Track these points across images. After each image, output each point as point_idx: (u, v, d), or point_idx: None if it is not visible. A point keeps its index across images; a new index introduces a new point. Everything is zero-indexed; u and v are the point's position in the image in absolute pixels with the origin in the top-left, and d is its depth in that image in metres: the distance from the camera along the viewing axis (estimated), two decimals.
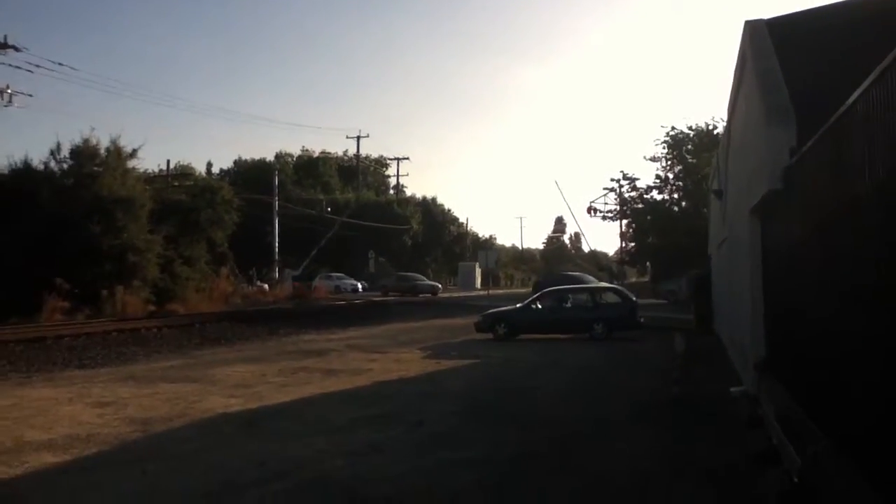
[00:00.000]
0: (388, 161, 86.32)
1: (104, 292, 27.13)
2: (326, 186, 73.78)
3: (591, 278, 41.08)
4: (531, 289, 48.25)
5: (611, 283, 37.68)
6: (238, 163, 74.25)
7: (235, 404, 10.51)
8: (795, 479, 5.33)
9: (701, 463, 7.13)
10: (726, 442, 7.92)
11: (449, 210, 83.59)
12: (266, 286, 46.10)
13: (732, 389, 10.08)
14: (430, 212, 78.11)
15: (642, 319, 21.26)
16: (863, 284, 4.16)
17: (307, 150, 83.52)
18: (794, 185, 6.76)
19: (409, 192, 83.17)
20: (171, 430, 8.87)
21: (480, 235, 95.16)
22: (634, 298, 21.97)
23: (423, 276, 60.28)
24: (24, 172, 28.91)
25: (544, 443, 8.12)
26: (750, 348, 9.63)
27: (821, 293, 5.43)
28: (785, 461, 6.02)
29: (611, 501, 6.17)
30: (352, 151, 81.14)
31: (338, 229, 59.35)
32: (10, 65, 35.32)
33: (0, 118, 34.02)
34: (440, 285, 59.14)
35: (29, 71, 35.61)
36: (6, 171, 29.13)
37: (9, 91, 35.45)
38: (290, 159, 79.77)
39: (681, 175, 46.41)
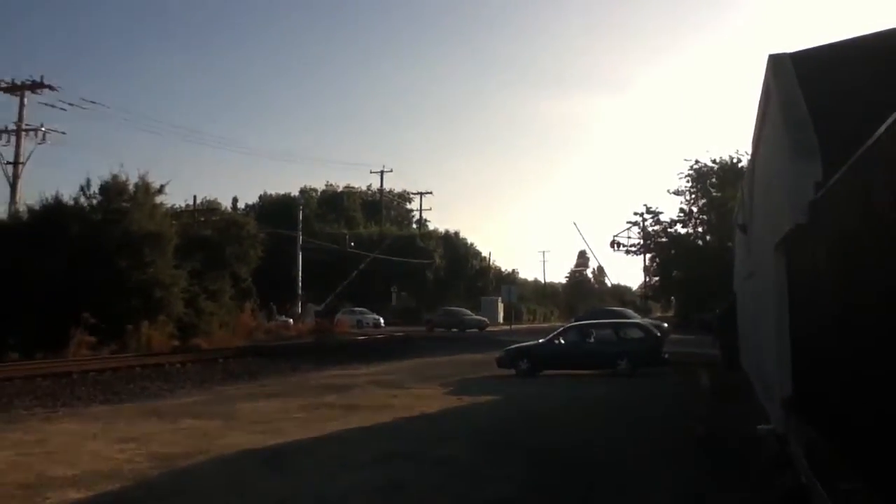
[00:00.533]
0: (412, 195, 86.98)
1: (129, 327, 27.40)
2: (350, 221, 74.36)
3: (633, 313, 40.67)
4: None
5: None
6: (263, 198, 75.11)
7: (258, 440, 10.49)
8: None
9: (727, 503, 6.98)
10: (753, 482, 7.75)
11: (472, 244, 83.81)
12: (290, 321, 46.30)
13: (759, 427, 9.88)
14: (453, 246, 78.28)
15: (667, 355, 21.01)
16: (894, 320, 4.08)
17: (331, 185, 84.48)
18: (819, 219, 6.69)
19: (431, 227, 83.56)
20: (192, 466, 8.87)
21: (503, 269, 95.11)
22: (659, 334, 21.71)
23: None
24: (54, 208, 29.41)
25: (566, 484, 8.01)
26: (776, 385, 9.46)
27: (849, 330, 5.33)
28: (815, 501, 5.87)
29: None
30: (375, 186, 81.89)
31: (360, 263, 59.49)
32: (45, 104, 36.47)
33: (34, 155, 34.86)
34: (487, 320, 56.28)
35: (63, 109, 36.74)
36: (38, 207, 29.71)
37: (43, 129, 36.51)
38: (314, 194, 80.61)
39: (705, 208, 46.16)
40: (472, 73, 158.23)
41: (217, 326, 33.67)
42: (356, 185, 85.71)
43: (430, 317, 54.91)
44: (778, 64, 10.11)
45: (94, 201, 30.25)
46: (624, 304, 63.25)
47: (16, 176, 35.70)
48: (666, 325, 22.21)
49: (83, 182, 30.25)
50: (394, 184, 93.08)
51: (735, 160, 44.22)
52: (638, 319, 29.40)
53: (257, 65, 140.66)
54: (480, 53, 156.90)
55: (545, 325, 65.37)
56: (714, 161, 45.84)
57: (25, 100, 36.13)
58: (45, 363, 21.14)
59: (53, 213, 29.00)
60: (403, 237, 72.72)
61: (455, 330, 49.23)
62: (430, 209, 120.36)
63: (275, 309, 48.02)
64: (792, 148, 7.97)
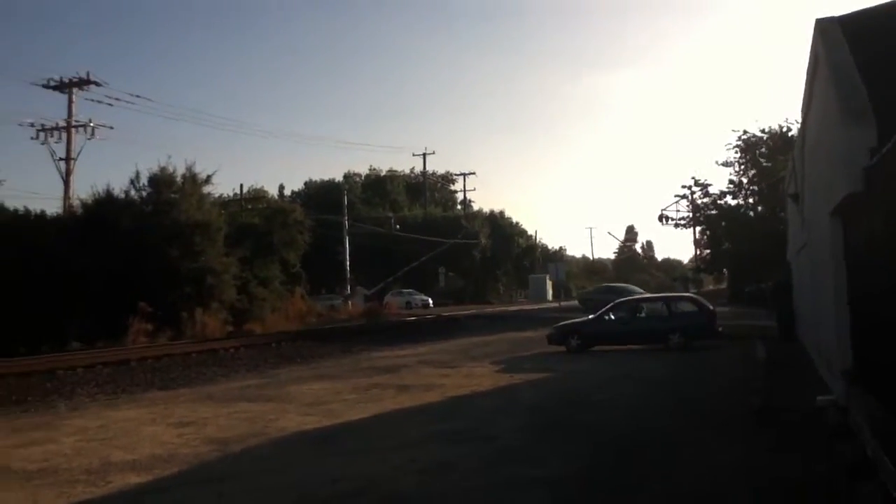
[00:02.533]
0: (455, 177, 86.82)
1: (184, 314, 28.01)
2: (394, 204, 74.56)
3: (636, 289, 39.28)
4: (578, 302, 46.59)
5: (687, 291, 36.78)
6: (308, 184, 75.73)
7: (311, 422, 10.63)
8: (893, 494, 5.03)
9: (787, 477, 6.81)
10: (813, 454, 7.54)
11: (517, 223, 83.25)
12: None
13: (819, 398, 9.64)
14: (499, 225, 77.93)
15: (721, 328, 20.64)
16: None
17: (375, 169, 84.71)
18: (875, 185, 6.45)
19: (476, 207, 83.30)
20: (247, 449, 9.02)
21: (550, 247, 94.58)
22: (711, 307, 21.33)
23: (495, 289, 58.81)
24: (106, 201, 30.16)
25: (618, 459, 7.92)
26: (836, 356, 9.21)
27: None
28: (881, 474, 5.69)
29: None
30: (418, 169, 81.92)
31: (406, 245, 59.59)
32: (92, 99, 37.30)
33: (84, 150, 35.80)
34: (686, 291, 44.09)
35: (109, 104, 37.56)
36: (90, 201, 30.49)
37: (91, 125, 37.38)
38: (358, 179, 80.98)
39: (755, 179, 45.10)
40: (510, 51, 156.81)
41: (269, 311, 34.26)
42: (399, 169, 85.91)
43: (589, 294, 45.07)
44: (825, 28, 9.74)
45: (144, 193, 30.93)
46: (674, 280, 62.28)
47: (68, 172, 36.69)
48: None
49: (132, 175, 31.01)
50: (436, 166, 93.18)
51: (785, 129, 43.11)
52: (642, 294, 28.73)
53: (298, 53, 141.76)
54: (518, 31, 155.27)
55: None
56: (763, 131, 44.76)
57: (74, 97, 37.00)
58: (105, 352, 21.76)
59: (105, 207, 29.75)
60: (448, 218, 72.70)
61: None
62: (474, 189, 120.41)
63: (324, 292, 48.64)
64: (843, 113, 7.69)
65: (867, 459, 6.28)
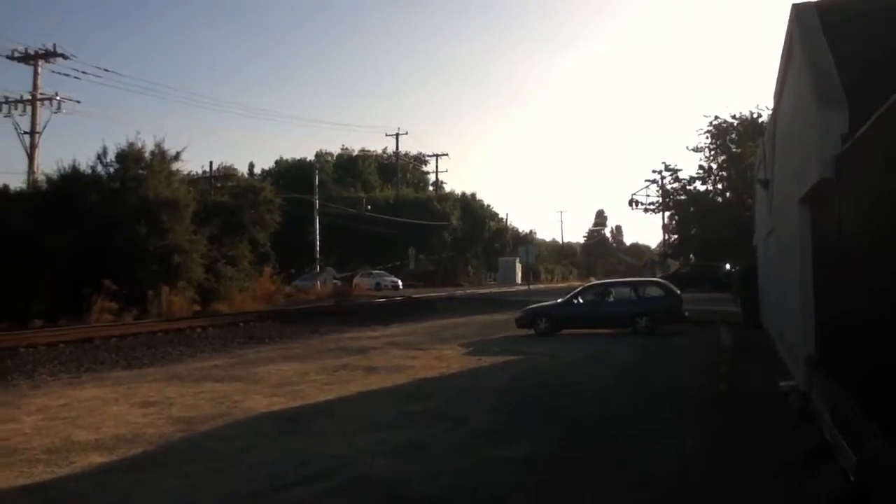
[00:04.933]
0: (427, 158, 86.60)
1: (150, 293, 27.64)
2: (366, 184, 74.18)
3: None
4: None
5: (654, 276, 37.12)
6: (279, 163, 75.00)
7: (278, 403, 10.56)
8: (851, 478, 5.12)
9: (749, 461, 6.93)
10: (775, 439, 7.68)
11: (488, 205, 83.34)
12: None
13: (782, 384, 9.80)
14: (470, 207, 77.93)
15: (687, 313, 20.90)
16: None
17: (347, 149, 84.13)
18: (846, 172, 6.51)
19: (448, 189, 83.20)
20: (214, 429, 8.93)
21: (520, 230, 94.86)
22: (678, 292, 21.57)
23: (466, 272, 58.85)
24: (72, 177, 29.57)
25: (587, 441, 7.99)
26: (800, 342, 9.35)
27: (877, 285, 5.20)
28: (839, 458, 5.80)
29: (655, 502, 6.00)
30: (391, 149, 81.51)
31: (377, 226, 59.31)
32: (58, 72, 36.48)
33: (50, 125, 35.06)
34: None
35: (76, 78, 36.80)
36: (55, 177, 29.85)
37: (57, 98, 36.58)
38: (330, 158, 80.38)
39: (725, 165, 45.56)
40: (483, 32, 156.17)
41: (237, 291, 33.94)
42: (371, 149, 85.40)
43: (685, 267, 42.69)
44: (802, 14, 9.79)
45: (111, 169, 30.37)
46: (643, 266, 62.83)
47: (33, 146, 35.91)
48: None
49: (100, 150, 30.43)
50: (409, 147, 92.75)
51: (755, 115, 43.52)
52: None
53: (269, 29, 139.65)
54: (490, 12, 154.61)
55: (563, 284, 65.32)
56: (734, 116, 45.14)
57: (39, 69, 36.14)
58: (68, 330, 21.39)
59: (71, 183, 29.18)
60: (420, 200, 72.49)
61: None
62: (447, 171, 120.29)
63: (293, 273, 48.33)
64: (817, 99, 7.74)
65: (826, 444, 6.39)
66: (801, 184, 8.78)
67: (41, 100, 36.20)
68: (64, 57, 36.19)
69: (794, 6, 10.03)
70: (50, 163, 74.60)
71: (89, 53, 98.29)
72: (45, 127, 36.42)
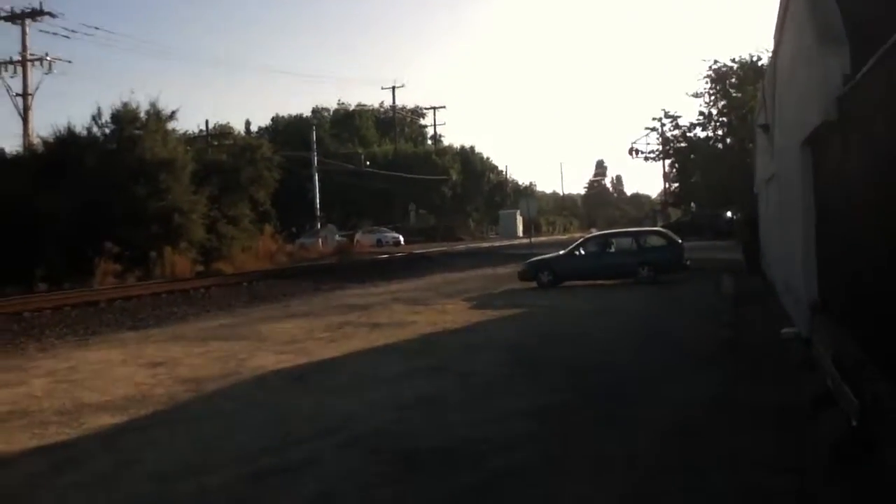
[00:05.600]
0: (425, 111, 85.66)
1: (153, 254, 27.66)
2: (364, 139, 73.63)
3: None
4: None
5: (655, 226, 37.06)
6: (276, 120, 74.34)
7: (285, 361, 10.65)
8: (854, 422, 5.18)
9: (754, 407, 6.99)
10: (779, 385, 7.75)
11: (488, 158, 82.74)
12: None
13: (784, 331, 9.84)
14: (469, 161, 77.41)
15: (689, 262, 20.92)
16: None
17: (343, 104, 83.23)
18: (848, 114, 6.43)
19: (447, 142, 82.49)
20: (222, 388, 9.02)
21: (521, 183, 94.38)
22: (680, 241, 21.56)
23: (466, 226, 58.59)
24: (67, 139, 29.37)
25: (595, 390, 8.05)
26: (802, 288, 9.37)
27: (880, 229, 5.18)
28: (841, 403, 5.85)
29: (665, 448, 6.07)
30: (388, 103, 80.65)
31: (376, 182, 59.02)
32: (47, 32, 35.85)
33: (42, 86, 34.57)
34: None
35: (66, 37, 36.12)
36: (51, 139, 29.64)
37: (48, 58, 36.03)
38: (326, 114, 79.63)
39: (725, 110, 45.04)
40: None
41: (239, 250, 33.93)
42: (368, 103, 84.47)
43: (686, 216, 44.43)
44: None
45: (107, 130, 30.14)
46: (645, 217, 62.66)
47: (26, 108, 35.48)
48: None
49: (94, 111, 30.15)
50: (406, 100, 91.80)
51: (756, 58, 42.85)
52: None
53: None
54: None
55: (564, 236, 65.26)
56: (734, 60, 44.39)
57: (27, 28, 35.54)
58: (73, 293, 21.47)
59: (67, 144, 29.00)
60: (419, 154, 72.01)
61: None
62: (445, 124, 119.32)
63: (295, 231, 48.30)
64: (817, 39, 7.59)
65: (828, 389, 6.44)
66: (802, 127, 8.69)
67: (31, 60, 35.64)
68: (52, 15, 35.51)
69: None
70: (44, 125, 74.19)
71: (76, 14, 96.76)
72: (37, 88, 35.95)
